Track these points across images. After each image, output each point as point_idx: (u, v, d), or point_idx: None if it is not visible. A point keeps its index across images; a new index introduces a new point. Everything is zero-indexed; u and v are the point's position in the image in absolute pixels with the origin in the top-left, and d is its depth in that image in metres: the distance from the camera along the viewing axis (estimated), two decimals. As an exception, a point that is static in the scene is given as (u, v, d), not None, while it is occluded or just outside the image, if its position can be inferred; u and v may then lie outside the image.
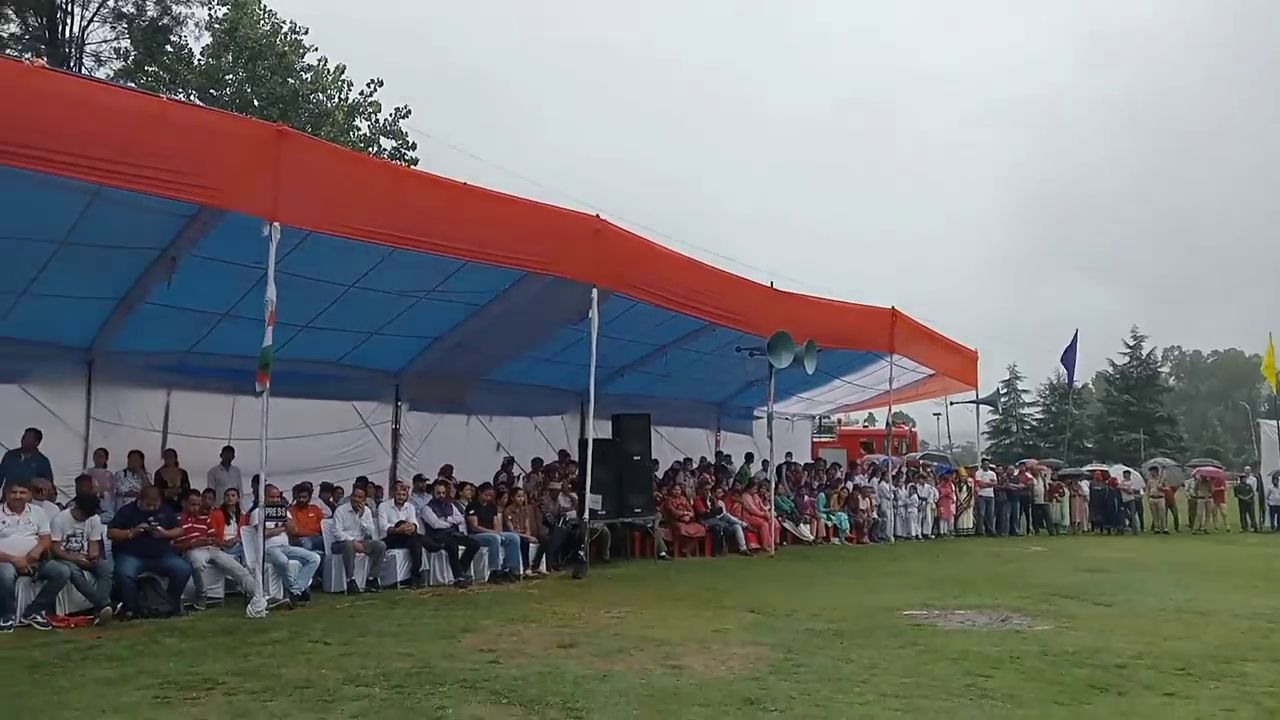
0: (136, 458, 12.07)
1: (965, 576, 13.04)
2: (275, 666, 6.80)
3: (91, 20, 27.98)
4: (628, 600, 10.32)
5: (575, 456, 16.00)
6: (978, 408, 24.88)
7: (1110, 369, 71.65)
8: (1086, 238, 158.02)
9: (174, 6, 28.42)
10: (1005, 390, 70.54)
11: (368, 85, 29.67)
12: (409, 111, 30.07)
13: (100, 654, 7.21)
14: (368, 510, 11.48)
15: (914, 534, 20.03)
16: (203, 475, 12.28)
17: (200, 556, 9.80)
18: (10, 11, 26.08)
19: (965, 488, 21.75)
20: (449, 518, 12.22)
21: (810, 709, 5.73)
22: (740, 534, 16.20)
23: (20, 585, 8.47)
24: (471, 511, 12.61)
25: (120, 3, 27.96)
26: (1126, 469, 30.20)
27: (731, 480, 18.83)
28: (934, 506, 20.77)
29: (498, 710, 5.67)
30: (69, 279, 10.45)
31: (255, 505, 10.07)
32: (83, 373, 12.29)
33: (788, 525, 17.54)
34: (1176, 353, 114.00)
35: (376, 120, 30.04)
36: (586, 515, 13.00)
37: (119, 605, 8.81)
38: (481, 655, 7.25)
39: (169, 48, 28.42)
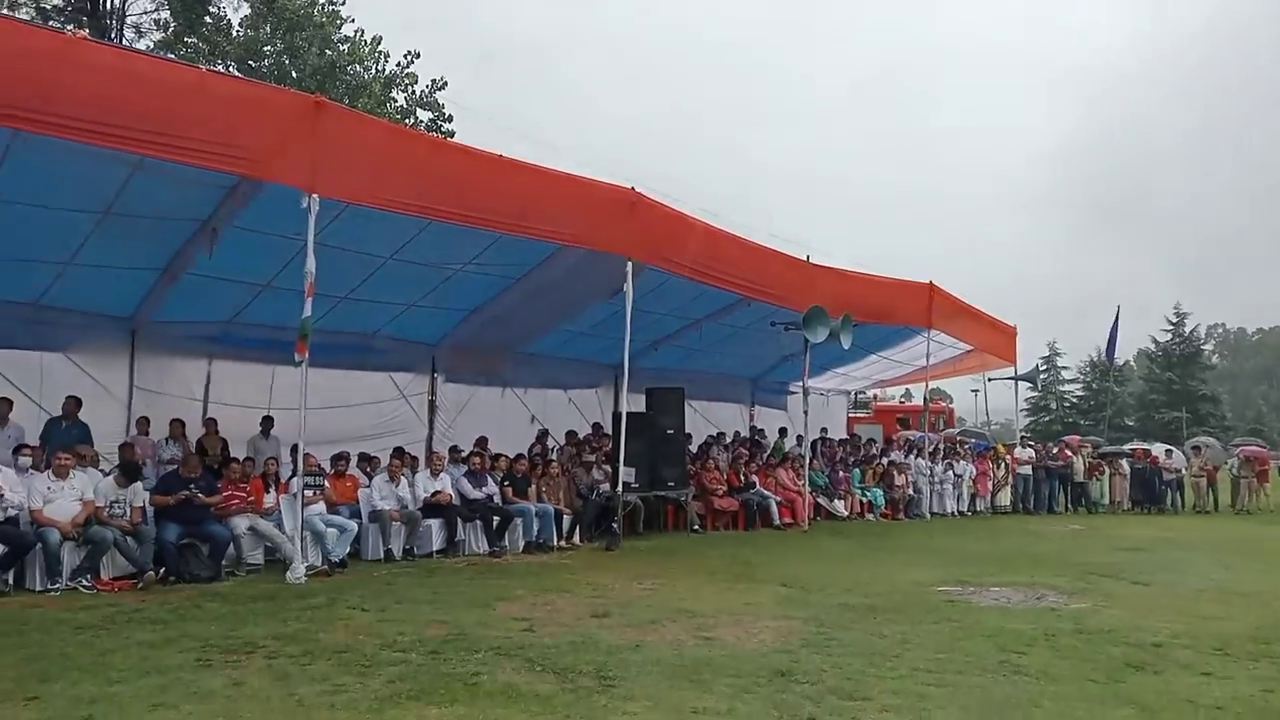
0: (178, 426, 12.23)
1: (1001, 554, 12.95)
2: (314, 631, 6.92)
3: (132, -9, 28.23)
4: (660, 572, 10.36)
5: (609, 430, 16.05)
6: (1016, 384, 24.53)
7: (1153, 346, 70.76)
8: (1132, 212, 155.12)
9: (213, -23, 28.57)
10: (1045, 367, 69.50)
11: (404, 57, 29.70)
12: (445, 83, 30.07)
13: (144, 617, 7.36)
14: (404, 480, 11.62)
15: (950, 511, 19.91)
16: (242, 444, 12.42)
17: (240, 523, 9.99)
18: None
19: (1003, 465, 21.55)
20: (484, 488, 12.33)
21: (842, 681, 5.72)
22: (774, 509, 16.16)
23: (66, 550, 8.67)
24: (506, 483, 12.71)
25: (160, -26, 28.16)
26: (1168, 447, 29.68)
27: (765, 455, 18.80)
28: (970, 483, 20.60)
29: (532, 677, 5.72)
30: (112, 250, 10.59)
31: (294, 474, 10.20)
32: (126, 342, 12.46)
33: (822, 500, 17.51)
34: (1220, 330, 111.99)
35: (413, 92, 30.06)
36: (620, 488, 13.05)
37: (161, 570, 9.00)
38: (516, 624, 7.33)
39: (208, 19, 28.57)
